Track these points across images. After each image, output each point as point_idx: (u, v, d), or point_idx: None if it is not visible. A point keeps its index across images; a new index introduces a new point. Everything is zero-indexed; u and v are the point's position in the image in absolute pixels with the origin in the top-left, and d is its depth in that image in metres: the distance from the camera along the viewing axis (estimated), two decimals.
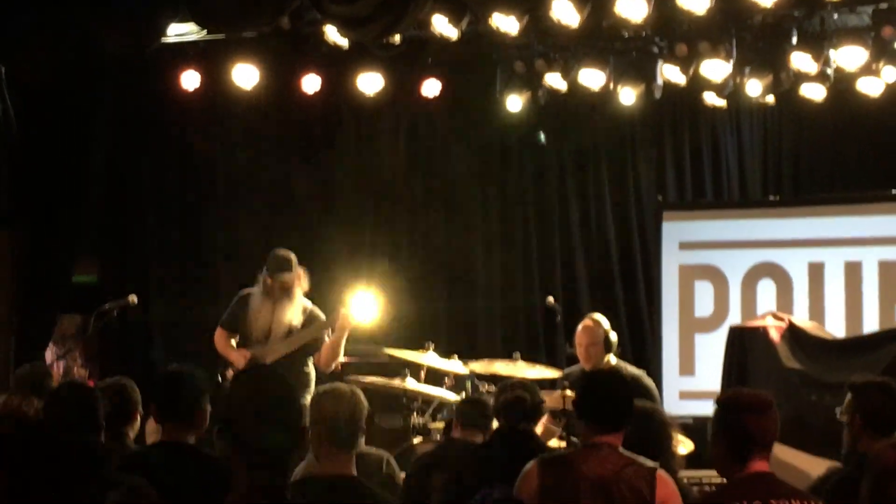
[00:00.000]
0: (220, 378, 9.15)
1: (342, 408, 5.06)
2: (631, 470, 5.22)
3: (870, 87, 11.29)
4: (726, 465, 4.75)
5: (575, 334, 9.43)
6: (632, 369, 9.39)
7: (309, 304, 9.45)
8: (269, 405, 3.43)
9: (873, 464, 4.42)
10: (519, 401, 6.60)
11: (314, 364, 9.43)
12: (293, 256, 9.44)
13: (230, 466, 5.22)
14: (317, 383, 9.28)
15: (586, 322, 9.42)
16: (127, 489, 3.56)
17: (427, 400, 9.83)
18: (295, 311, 9.31)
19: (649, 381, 9.32)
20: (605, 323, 9.35)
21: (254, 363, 9.11)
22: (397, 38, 10.86)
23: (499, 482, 5.18)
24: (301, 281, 9.39)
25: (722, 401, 4.80)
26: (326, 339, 9.29)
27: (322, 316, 9.38)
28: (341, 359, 9.45)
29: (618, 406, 5.38)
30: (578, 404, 5.49)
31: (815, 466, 6.47)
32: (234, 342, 9.44)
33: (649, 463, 5.30)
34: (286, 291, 9.32)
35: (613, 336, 9.34)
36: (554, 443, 8.85)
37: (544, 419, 8.95)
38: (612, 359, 9.29)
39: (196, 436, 5.61)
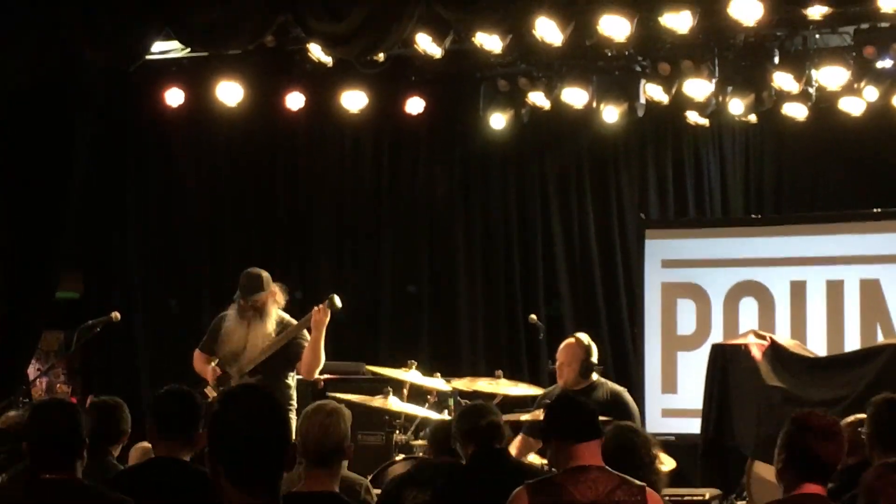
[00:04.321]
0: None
1: (329, 426, 5.08)
2: (622, 491, 5.21)
3: (851, 107, 11.33)
4: (783, 481, 4.79)
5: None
6: (611, 385, 9.41)
7: (286, 316, 9.41)
8: (257, 423, 3.36)
9: (863, 480, 4.46)
10: (496, 424, 6.52)
11: (298, 375, 9.40)
12: (265, 274, 9.40)
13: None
14: (298, 399, 9.26)
15: (567, 340, 9.46)
16: None
17: (409, 418, 9.82)
18: (269, 329, 9.27)
19: (629, 398, 9.35)
20: (587, 343, 9.34)
21: (227, 379, 9.12)
22: (381, 55, 10.88)
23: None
24: (276, 297, 9.37)
25: (792, 419, 4.84)
26: (305, 344, 9.23)
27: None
28: (318, 370, 9.36)
29: (589, 416, 5.39)
30: (550, 426, 5.44)
31: None
32: (212, 364, 9.43)
33: (637, 482, 5.31)
34: (259, 311, 9.30)
35: (594, 358, 9.34)
36: (535, 459, 8.89)
37: (519, 436, 9.04)
38: (593, 377, 9.30)
39: (191, 454, 5.61)
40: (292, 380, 9.34)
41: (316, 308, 9.03)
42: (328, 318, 9.03)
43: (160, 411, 5.58)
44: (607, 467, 5.29)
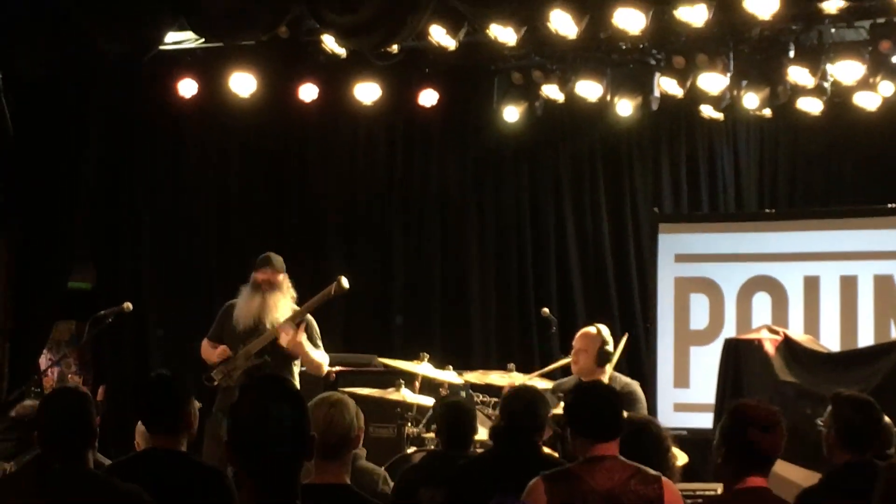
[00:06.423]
0: (206, 383, 9.15)
1: (333, 417, 5.05)
2: (637, 479, 5.22)
3: (866, 102, 11.30)
4: (725, 476, 4.77)
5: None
6: (624, 379, 9.38)
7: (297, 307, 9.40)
8: (277, 416, 3.33)
9: (886, 474, 4.41)
10: (530, 412, 6.39)
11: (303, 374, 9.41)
12: (280, 258, 9.45)
13: (223, 473, 5.26)
14: (311, 391, 9.24)
15: (586, 328, 9.42)
16: None
17: (421, 410, 9.80)
18: (285, 303, 9.27)
19: (639, 391, 9.31)
20: (605, 334, 9.30)
21: (233, 360, 9.12)
22: (395, 47, 10.85)
23: (502, 493, 5.09)
24: (288, 286, 9.37)
25: (730, 411, 4.81)
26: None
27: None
28: (326, 367, 9.38)
29: (612, 416, 5.38)
30: (572, 418, 5.46)
31: (809, 480, 6.45)
32: (220, 348, 9.41)
33: (653, 472, 5.30)
34: (273, 285, 9.28)
35: (609, 348, 9.30)
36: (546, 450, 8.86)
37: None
38: (606, 370, 9.27)
39: (188, 440, 5.60)
40: (297, 367, 9.35)
41: (282, 334, 9.05)
42: (301, 336, 9.06)
43: (141, 408, 5.56)
44: (621, 457, 5.28)
